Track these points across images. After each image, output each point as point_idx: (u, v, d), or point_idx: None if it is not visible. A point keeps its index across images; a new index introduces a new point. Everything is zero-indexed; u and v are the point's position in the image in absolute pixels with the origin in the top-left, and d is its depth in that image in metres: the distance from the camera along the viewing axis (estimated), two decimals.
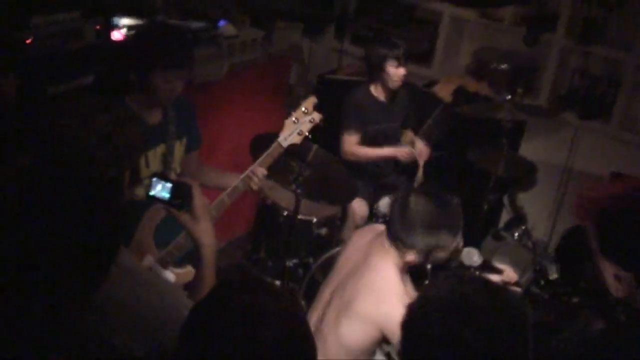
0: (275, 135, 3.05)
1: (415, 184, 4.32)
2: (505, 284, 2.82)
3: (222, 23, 4.38)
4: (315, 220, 4.12)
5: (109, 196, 1.64)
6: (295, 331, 1.51)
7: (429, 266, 3.03)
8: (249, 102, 4.69)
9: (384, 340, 2.64)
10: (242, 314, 1.47)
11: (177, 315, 1.84)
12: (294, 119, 3.04)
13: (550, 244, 5.02)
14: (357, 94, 4.38)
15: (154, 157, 3.09)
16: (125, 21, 3.67)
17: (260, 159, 3.04)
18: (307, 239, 4.13)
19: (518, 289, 2.89)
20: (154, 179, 2.16)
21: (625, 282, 3.49)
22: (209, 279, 2.21)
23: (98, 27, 3.19)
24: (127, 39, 3.14)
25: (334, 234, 4.23)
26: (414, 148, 4.36)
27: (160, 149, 3.11)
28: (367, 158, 4.35)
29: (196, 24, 4.14)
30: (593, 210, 3.61)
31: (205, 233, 2.18)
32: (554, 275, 3.89)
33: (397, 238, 2.64)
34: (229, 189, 2.93)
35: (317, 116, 3.06)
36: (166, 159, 3.13)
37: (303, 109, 3.05)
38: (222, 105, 4.48)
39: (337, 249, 3.94)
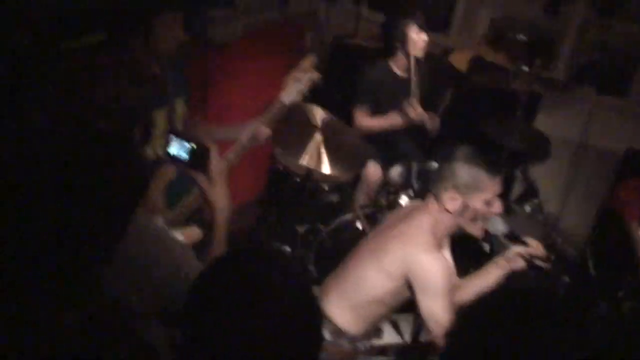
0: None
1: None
2: (532, 257, 2.79)
3: None
4: (327, 186, 4.11)
5: (123, 151, 1.62)
6: (302, 303, 1.50)
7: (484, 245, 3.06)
8: (264, 64, 4.65)
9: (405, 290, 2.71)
10: (247, 284, 1.46)
11: (185, 276, 1.84)
12: (293, 76, 3.06)
13: (561, 219, 4.99)
14: (376, 70, 4.30)
15: (158, 117, 3.08)
16: None
17: (262, 117, 3.06)
18: (319, 204, 4.12)
19: (548, 265, 2.81)
20: (173, 138, 2.13)
21: None
22: (221, 243, 2.20)
23: None
24: None
25: (345, 201, 4.22)
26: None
27: (164, 109, 3.10)
28: (379, 128, 4.29)
29: None
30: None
31: (221, 196, 2.15)
32: (592, 271, 3.87)
33: (437, 180, 2.72)
34: (235, 147, 2.93)
35: (315, 75, 3.09)
36: (169, 118, 3.12)
37: (303, 66, 3.08)
38: (237, 67, 4.44)
39: (348, 215, 3.95)
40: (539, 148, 4.60)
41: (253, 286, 1.47)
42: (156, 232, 1.99)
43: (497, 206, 2.69)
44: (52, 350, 1.49)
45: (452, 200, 2.67)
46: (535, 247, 2.83)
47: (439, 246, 2.73)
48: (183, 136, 2.11)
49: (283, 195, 4.18)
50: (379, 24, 5.21)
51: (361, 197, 4.23)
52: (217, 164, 2.12)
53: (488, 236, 3.08)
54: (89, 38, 3.10)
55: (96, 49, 3.00)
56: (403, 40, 4.16)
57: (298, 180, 4.05)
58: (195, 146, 2.10)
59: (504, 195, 2.95)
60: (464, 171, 2.65)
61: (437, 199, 2.71)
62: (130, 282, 1.79)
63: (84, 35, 3.10)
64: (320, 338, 1.56)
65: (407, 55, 4.19)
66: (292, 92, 3.06)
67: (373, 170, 4.23)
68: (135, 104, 1.99)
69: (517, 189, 5.07)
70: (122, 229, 1.60)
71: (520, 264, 2.79)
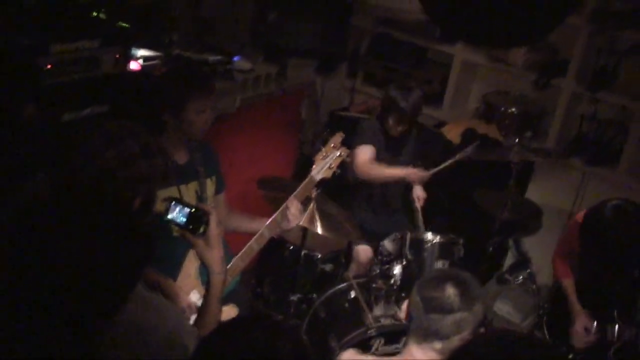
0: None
1: (418, 230, 4.28)
2: None
3: (237, 58, 4.46)
4: (320, 255, 4.14)
5: (120, 222, 1.66)
6: None
7: None
8: (261, 136, 4.75)
9: None
10: (251, 351, 1.49)
11: (180, 341, 1.86)
12: (324, 154, 3.16)
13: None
14: (369, 124, 4.41)
15: (186, 192, 3.18)
16: (143, 52, 3.74)
17: (296, 192, 3.14)
18: (312, 274, 4.14)
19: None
20: (172, 203, 2.20)
21: (592, 334, 3.57)
22: (215, 307, 2.24)
23: (117, 56, 3.24)
24: (157, 84, 3.24)
25: (338, 270, 4.24)
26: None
27: (193, 185, 3.21)
28: (378, 176, 4.26)
29: (212, 57, 4.21)
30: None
31: (217, 261, 2.21)
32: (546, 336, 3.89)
33: (454, 331, 2.27)
34: (257, 235, 3.03)
35: (345, 151, 3.18)
36: (199, 195, 3.22)
37: (332, 144, 3.17)
38: (234, 138, 4.53)
39: (342, 284, 3.97)
40: (531, 218, 4.66)
41: (257, 354, 1.49)
42: (151, 298, 2.02)
43: None
44: None
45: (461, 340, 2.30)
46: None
47: None
48: (183, 203, 2.18)
49: (277, 264, 4.20)
50: (373, 97, 5.35)
51: (354, 270, 4.27)
52: (215, 228, 2.19)
53: None
54: (93, 110, 3.20)
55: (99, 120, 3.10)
56: (388, 115, 4.27)
57: (292, 248, 4.08)
58: (194, 210, 2.17)
59: (497, 266, 3.01)
60: (482, 308, 2.34)
61: (445, 352, 2.28)
62: (127, 349, 1.81)
63: (89, 107, 3.20)
64: None
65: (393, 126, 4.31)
66: (322, 168, 3.15)
67: (363, 251, 4.27)
68: (144, 175, 2.04)
69: (509, 260, 5.10)
70: (123, 296, 1.64)
71: None
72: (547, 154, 4.88)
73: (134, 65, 3.57)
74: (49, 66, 2.99)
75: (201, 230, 2.18)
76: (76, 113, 3.13)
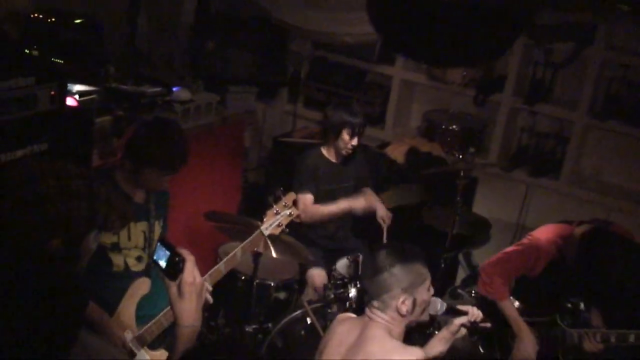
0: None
1: None
2: (473, 323, 2.88)
3: (176, 88, 4.41)
4: (273, 284, 4.09)
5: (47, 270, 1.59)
6: None
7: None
8: (204, 166, 4.68)
9: None
10: None
11: None
12: (275, 210, 3.29)
13: None
14: (309, 156, 4.41)
15: (135, 231, 3.22)
16: (79, 87, 3.66)
17: (243, 244, 3.22)
18: (266, 303, 4.08)
19: (488, 325, 2.98)
20: (159, 244, 2.11)
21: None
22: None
23: (53, 92, 3.16)
24: (133, 131, 3.18)
25: (292, 298, 4.19)
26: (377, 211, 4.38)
27: (142, 225, 3.26)
28: (323, 216, 4.30)
29: (151, 89, 4.15)
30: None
31: (187, 313, 2.03)
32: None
33: (380, 291, 2.66)
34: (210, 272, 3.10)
35: (295, 211, 3.33)
36: (146, 235, 3.27)
37: (284, 202, 3.30)
38: None
39: (297, 312, 3.92)
40: (479, 232, 4.71)
41: None
42: (89, 341, 1.93)
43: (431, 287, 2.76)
44: None
45: (403, 304, 2.65)
46: (472, 313, 2.90)
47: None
48: (167, 245, 2.09)
49: (230, 295, 4.12)
50: (318, 122, 5.35)
51: (309, 295, 4.23)
52: (189, 276, 2.03)
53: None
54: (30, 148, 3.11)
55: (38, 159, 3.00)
56: (335, 137, 4.29)
57: (244, 278, 4.02)
58: (171, 254, 2.06)
59: (450, 281, 3.04)
60: (405, 271, 2.65)
61: (385, 308, 2.67)
62: None
63: (26, 146, 3.10)
64: None
65: (337, 151, 4.34)
66: (271, 224, 3.28)
67: (317, 275, 4.27)
68: (61, 215, 1.92)
69: (461, 274, 5.13)
70: (66, 345, 1.56)
71: (462, 332, 2.89)
72: (491, 170, 4.95)
73: (70, 102, 3.48)
74: None
75: (175, 276, 2.04)
76: (12, 153, 3.02)
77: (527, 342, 3.60)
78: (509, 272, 3.70)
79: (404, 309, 2.65)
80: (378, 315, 2.69)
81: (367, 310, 2.75)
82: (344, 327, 2.81)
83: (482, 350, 3.81)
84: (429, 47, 2.16)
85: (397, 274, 2.65)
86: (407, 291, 2.65)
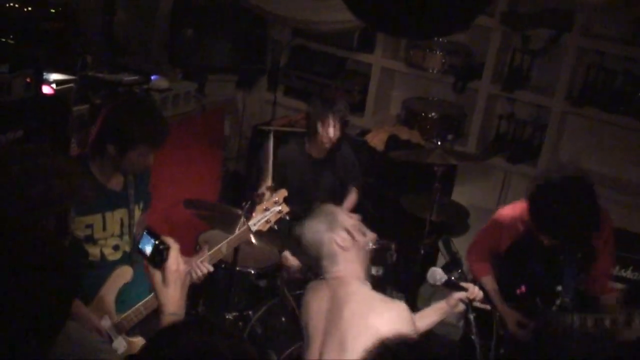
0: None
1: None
2: (471, 301, 2.91)
3: (154, 77, 4.39)
4: (253, 271, 4.09)
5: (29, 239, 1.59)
6: None
7: None
8: (183, 155, 4.67)
9: None
10: (193, 353, 1.44)
11: None
12: (264, 207, 3.25)
13: None
14: (287, 148, 4.42)
15: (111, 220, 3.13)
16: (56, 76, 3.64)
17: (230, 238, 3.23)
18: (247, 291, 4.08)
19: (488, 307, 3.09)
20: (144, 232, 2.11)
21: (527, 329, 3.61)
22: None
23: (28, 80, 3.14)
24: (108, 114, 3.06)
25: (272, 285, 4.20)
26: None
27: (119, 213, 3.16)
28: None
29: (129, 78, 4.13)
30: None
31: (170, 301, 2.02)
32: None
33: (317, 253, 2.72)
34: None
35: (285, 208, 3.28)
36: (125, 222, 3.18)
37: (274, 199, 3.27)
38: (156, 159, 4.43)
39: (276, 299, 3.93)
40: (459, 219, 4.73)
41: (198, 355, 1.44)
42: (78, 337, 1.93)
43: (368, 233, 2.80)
44: None
45: (339, 242, 2.68)
46: (472, 291, 2.92)
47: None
48: (152, 234, 2.09)
49: (210, 283, 4.12)
50: (294, 110, 5.35)
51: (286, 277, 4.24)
52: (173, 264, 2.03)
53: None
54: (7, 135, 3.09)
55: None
56: (315, 128, 4.28)
57: (224, 266, 4.02)
58: (157, 242, 2.06)
59: (429, 268, 3.05)
60: (313, 224, 2.73)
61: (332, 261, 2.69)
62: None
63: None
64: None
65: (318, 143, 4.34)
66: (259, 220, 3.24)
67: (292, 258, 4.25)
68: (55, 194, 1.93)
69: (441, 261, 5.15)
70: (52, 330, 1.56)
71: (460, 307, 2.93)
72: (470, 157, 4.97)
73: (46, 90, 3.46)
74: None
75: (160, 264, 2.04)
76: None
77: (508, 318, 3.63)
78: (480, 249, 3.86)
79: (343, 243, 2.68)
80: (335, 271, 2.69)
81: (327, 276, 2.74)
82: (318, 294, 2.79)
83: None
84: (395, 19, 2.18)
85: (311, 234, 2.71)
86: (329, 232, 2.68)
